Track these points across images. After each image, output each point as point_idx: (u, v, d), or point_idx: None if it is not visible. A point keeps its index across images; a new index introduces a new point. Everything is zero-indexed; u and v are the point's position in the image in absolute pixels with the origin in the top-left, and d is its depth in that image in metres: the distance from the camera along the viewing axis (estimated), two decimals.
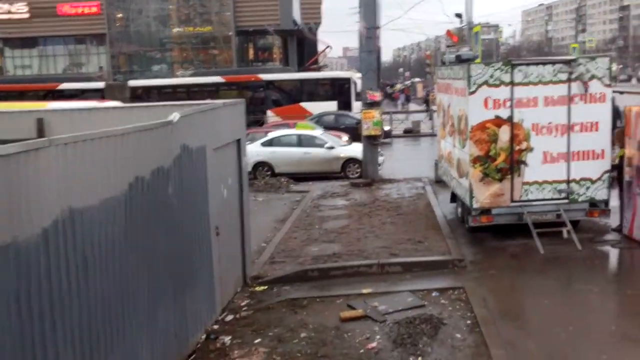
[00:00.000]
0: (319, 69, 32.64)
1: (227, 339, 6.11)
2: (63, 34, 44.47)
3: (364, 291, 7.28)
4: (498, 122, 8.79)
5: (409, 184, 14.18)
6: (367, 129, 14.98)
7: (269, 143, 16.32)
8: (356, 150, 16.18)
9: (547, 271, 7.87)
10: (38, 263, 3.40)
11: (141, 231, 4.70)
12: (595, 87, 8.77)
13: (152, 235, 4.89)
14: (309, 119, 23.29)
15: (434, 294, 7.10)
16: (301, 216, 11.35)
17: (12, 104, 13.52)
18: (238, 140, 7.56)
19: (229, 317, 6.69)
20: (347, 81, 27.47)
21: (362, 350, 5.75)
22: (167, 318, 5.20)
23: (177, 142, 5.44)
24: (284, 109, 27.18)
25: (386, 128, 22.27)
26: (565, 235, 8.74)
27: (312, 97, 27.45)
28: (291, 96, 28.03)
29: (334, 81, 28.31)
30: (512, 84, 8.73)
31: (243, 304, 7.13)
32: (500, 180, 8.86)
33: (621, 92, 16.54)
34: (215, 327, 6.43)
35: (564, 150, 8.86)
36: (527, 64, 8.89)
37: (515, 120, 8.78)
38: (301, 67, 33.34)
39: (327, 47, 34.06)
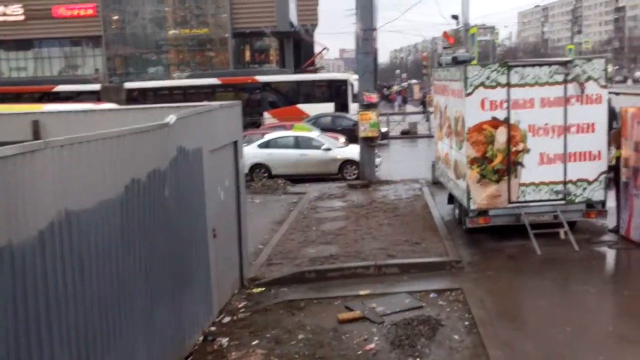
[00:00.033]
0: (315, 71, 32.68)
1: (224, 341, 6.09)
2: (58, 36, 44.36)
3: (362, 293, 7.27)
4: (495, 123, 8.80)
5: (406, 186, 14.18)
6: (364, 131, 14.98)
7: (266, 145, 16.31)
8: (353, 151, 16.18)
9: (545, 272, 7.88)
10: (34, 265, 3.38)
11: (138, 233, 4.68)
12: (591, 88, 8.79)
13: (148, 237, 4.87)
14: (306, 120, 23.30)
15: (431, 295, 7.10)
16: (298, 218, 11.34)
17: (7, 106, 13.48)
18: (235, 142, 7.55)
19: (226, 319, 6.68)
20: (344, 83, 27.51)
21: (360, 352, 5.74)
22: (164, 320, 5.18)
23: (173, 144, 5.43)
24: (280, 110, 27.18)
25: (383, 130, 22.29)
26: (562, 236, 8.75)
27: (309, 99, 27.46)
28: (288, 98, 28.04)
29: (331, 83, 28.34)
30: (508, 85, 8.74)
31: (240, 305, 7.11)
32: (497, 181, 8.87)
33: (617, 93, 16.61)
34: (213, 328, 6.41)
35: (560, 151, 8.88)
36: (524, 66, 8.91)
37: (512, 121, 8.80)
38: (298, 69, 33.33)
39: (324, 48, 34.14)
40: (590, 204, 9.05)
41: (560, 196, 8.93)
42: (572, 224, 9.09)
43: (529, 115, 8.79)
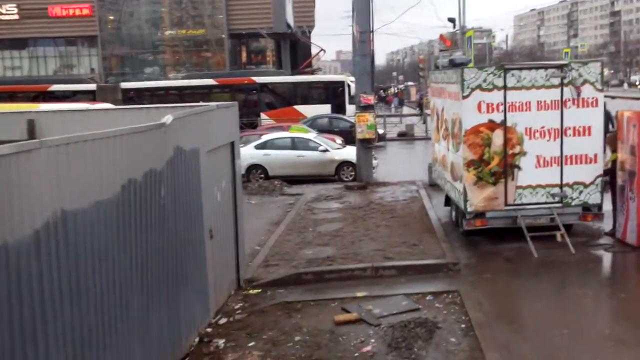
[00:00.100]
0: (312, 72, 32.68)
1: (220, 342, 6.06)
2: (54, 35, 44.19)
3: (359, 294, 7.25)
4: (491, 126, 8.81)
5: (403, 187, 14.18)
6: (361, 132, 14.99)
7: (263, 146, 16.28)
8: (350, 153, 16.18)
9: (542, 275, 7.88)
10: (29, 265, 3.35)
11: (134, 233, 4.65)
12: (587, 91, 8.82)
13: (145, 238, 4.84)
14: (303, 122, 23.29)
15: (428, 297, 7.09)
16: (295, 219, 11.32)
17: (1, 105, 13.39)
18: (232, 143, 7.52)
19: (223, 320, 6.64)
20: (341, 84, 27.53)
21: (356, 354, 5.72)
22: (160, 320, 5.15)
23: (170, 145, 5.40)
24: (277, 111, 27.18)
25: (380, 131, 22.31)
26: (559, 239, 8.76)
27: (306, 100, 27.47)
28: (285, 99, 28.04)
29: (328, 84, 28.37)
30: (505, 88, 8.76)
31: (237, 307, 7.08)
32: (494, 184, 8.88)
33: (613, 97, 16.69)
34: (209, 330, 6.38)
35: (557, 154, 8.89)
36: (520, 69, 8.92)
37: (509, 124, 8.81)
38: (294, 70, 33.35)
39: (321, 50, 34.13)
40: (586, 207, 9.07)
41: (556, 199, 8.94)
42: (568, 227, 9.11)
43: (526, 118, 8.80)
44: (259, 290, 7.59)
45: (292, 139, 16.68)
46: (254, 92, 28.12)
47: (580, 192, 8.96)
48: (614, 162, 9.25)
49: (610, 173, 9.33)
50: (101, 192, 4.14)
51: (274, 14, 40.59)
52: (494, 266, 8.34)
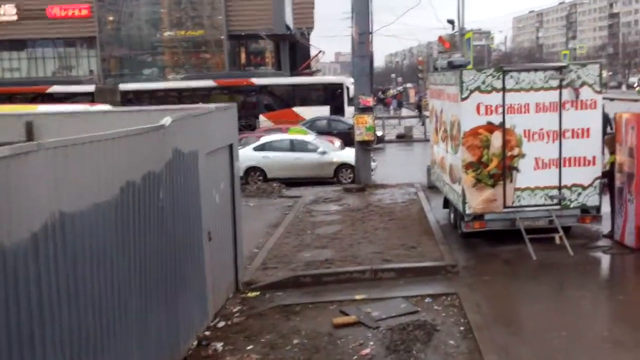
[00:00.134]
0: (311, 74, 32.71)
1: (219, 345, 6.05)
2: (52, 36, 44.16)
3: (357, 297, 7.24)
4: (490, 128, 8.82)
5: (402, 190, 14.18)
6: (359, 134, 14.98)
7: (261, 148, 16.28)
8: (349, 155, 16.17)
9: (540, 277, 7.88)
10: (27, 267, 3.34)
11: (132, 236, 4.64)
12: (586, 93, 8.83)
13: (143, 240, 4.83)
14: (302, 123, 23.29)
15: (427, 300, 7.09)
16: (293, 221, 11.30)
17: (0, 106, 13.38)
18: (230, 145, 7.51)
19: (221, 323, 6.63)
20: (339, 86, 27.53)
21: (355, 357, 5.71)
22: (159, 323, 5.14)
23: (169, 147, 5.39)
24: (276, 113, 27.17)
25: (379, 133, 22.31)
26: (557, 241, 8.76)
27: (305, 102, 27.46)
28: (284, 101, 28.03)
29: (327, 86, 28.36)
30: (503, 90, 8.76)
31: (235, 310, 7.07)
32: (493, 186, 8.88)
33: (611, 99, 16.71)
34: (207, 333, 6.37)
35: (555, 156, 8.90)
36: (519, 71, 8.93)
37: (507, 126, 8.81)
38: (293, 72, 33.37)
39: (320, 52, 34.17)
40: (585, 209, 9.07)
41: (555, 201, 8.94)
42: (567, 229, 9.10)
43: (524, 120, 8.80)
44: (257, 293, 7.58)
45: (291, 141, 16.68)
46: (253, 93, 28.12)
47: (579, 194, 8.96)
48: (612, 164, 9.25)
49: (608, 175, 9.33)
50: (99, 194, 4.13)
51: (273, 16, 40.60)
52: (492, 268, 8.33)
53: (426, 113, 23.09)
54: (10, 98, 25.38)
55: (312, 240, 9.88)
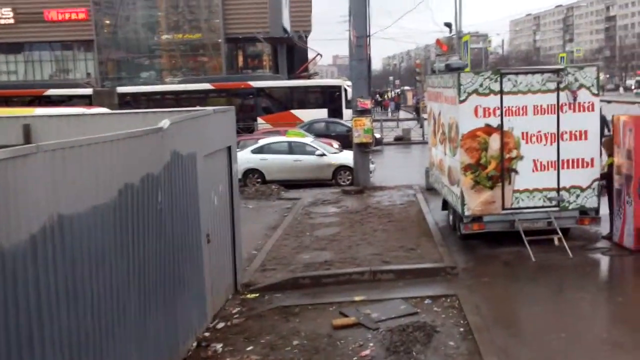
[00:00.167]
0: (309, 77, 32.71)
1: (218, 347, 6.03)
2: (50, 39, 44.16)
3: (357, 299, 7.23)
4: (488, 130, 8.83)
5: (400, 192, 14.19)
6: (358, 137, 14.99)
7: (260, 150, 16.27)
8: (347, 157, 16.18)
9: (539, 278, 7.88)
10: (25, 269, 3.33)
11: (131, 238, 4.63)
12: (583, 96, 8.85)
13: (142, 242, 4.82)
14: (300, 126, 23.29)
15: (426, 301, 7.08)
16: (292, 223, 11.30)
17: None
18: (229, 148, 7.51)
19: (220, 325, 6.62)
20: (337, 89, 27.53)
21: (355, 358, 5.70)
22: (158, 325, 5.12)
23: (167, 149, 5.38)
24: (274, 116, 27.16)
25: (377, 136, 22.33)
26: (556, 242, 8.77)
27: (303, 105, 27.46)
28: (282, 103, 28.03)
29: (325, 89, 28.36)
30: (501, 92, 8.78)
31: (234, 311, 7.05)
32: (492, 187, 8.89)
33: (609, 102, 16.77)
34: (207, 334, 6.35)
35: (553, 158, 8.91)
36: (516, 73, 8.95)
37: (505, 128, 8.83)
38: (291, 75, 33.37)
39: (317, 54, 34.19)
40: (583, 211, 9.08)
41: (553, 203, 8.95)
42: (565, 231, 9.11)
43: (522, 122, 8.82)
44: (257, 295, 7.57)
45: (289, 143, 16.68)
46: (251, 96, 28.10)
47: (577, 196, 8.98)
48: (610, 166, 9.27)
49: (606, 177, 9.35)
50: (98, 196, 4.12)
51: (271, 19, 40.65)
52: (491, 270, 8.33)
53: (424, 115, 23.15)
54: (7, 101, 25.31)
55: (311, 242, 9.87)
